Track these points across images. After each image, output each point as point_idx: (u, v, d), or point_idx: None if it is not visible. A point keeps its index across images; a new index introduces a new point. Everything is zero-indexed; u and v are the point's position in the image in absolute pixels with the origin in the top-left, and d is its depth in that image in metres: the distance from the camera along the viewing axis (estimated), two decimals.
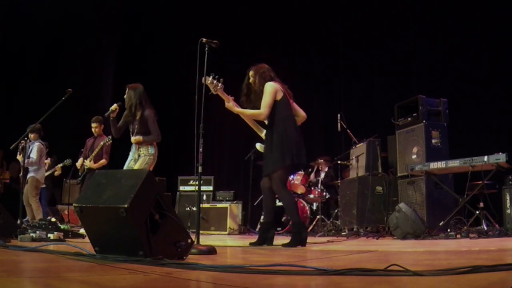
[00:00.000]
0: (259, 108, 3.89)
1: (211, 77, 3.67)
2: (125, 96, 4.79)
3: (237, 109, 3.93)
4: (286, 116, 3.86)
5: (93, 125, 6.32)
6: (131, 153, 4.87)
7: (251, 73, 4.02)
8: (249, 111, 3.93)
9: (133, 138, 4.68)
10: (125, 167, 4.81)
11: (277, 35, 9.52)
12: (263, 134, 4.04)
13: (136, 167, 4.68)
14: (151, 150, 4.76)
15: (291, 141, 3.77)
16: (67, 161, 7.22)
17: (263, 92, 3.87)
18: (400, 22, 8.10)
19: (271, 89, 3.85)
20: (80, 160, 6.33)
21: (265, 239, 3.83)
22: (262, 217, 7.43)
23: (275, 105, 3.86)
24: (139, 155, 4.74)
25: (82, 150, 7.07)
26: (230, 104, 3.91)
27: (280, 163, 3.75)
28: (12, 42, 8.93)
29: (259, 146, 4.11)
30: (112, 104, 4.83)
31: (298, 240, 3.72)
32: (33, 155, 6.33)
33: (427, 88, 6.59)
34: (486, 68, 6.93)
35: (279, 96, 3.88)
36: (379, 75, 8.33)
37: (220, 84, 3.73)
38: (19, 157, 6.16)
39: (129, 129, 4.83)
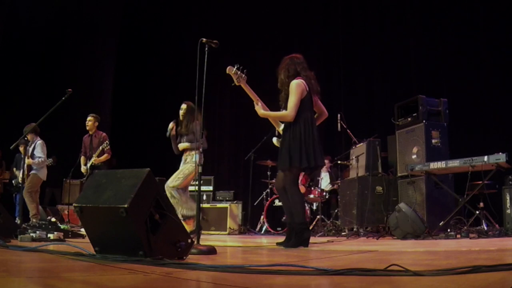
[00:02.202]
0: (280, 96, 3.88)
1: (235, 67, 3.65)
2: (181, 113, 5.38)
3: (262, 112, 3.87)
4: (306, 117, 3.79)
5: (88, 118, 6.36)
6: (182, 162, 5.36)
7: (280, 66, 3.94)
8: (275, 113, 3.85)
9: (180, 145, 5.30)
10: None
11: (276, 35, 9.52)
12: (280, 128, 3.98)
13: (182, 173, 5.14)
14: (195, 157, 5.03)
15: (308, 143, 3.72)
16: (49, 161, 7.09)
17: (286, 86, 3.80)
18: (400, 22, 8.11)
19: (297, 89, 3.74)
20: (82, 160, 6.35)
21: (301, 241, 3.73)
22: (260, 218, 7.46)
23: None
24: (185, 162, 5.23)
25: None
26: (257, 108, 3.86)
27: (296, 163, 3.70)
28: (12, 42, 8.94)
29: (275, 140, 4.03)
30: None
31: (300, 240, 3.68)
32: (39, 154, 6.34)
33: (427, 88, 6.60)
34: (486, 68, 6.94)
35: (303, 95, 3.79)
36: (379, 75, 8.34)
37: (243, 76, 3.69)
38: (28, 161, 6.17)
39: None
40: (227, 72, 3.64)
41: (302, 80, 3.81)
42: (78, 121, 8.43)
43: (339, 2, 9.06)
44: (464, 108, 6.58)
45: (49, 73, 9.42)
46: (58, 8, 9.36)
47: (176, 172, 5.27)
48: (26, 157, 6.16)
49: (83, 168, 6.29)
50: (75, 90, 5.38)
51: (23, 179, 6.12)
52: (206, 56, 3.45)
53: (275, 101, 3.97)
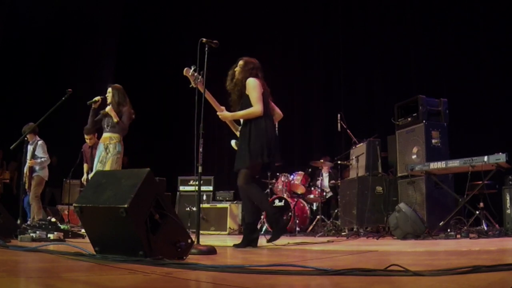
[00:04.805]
0: (230, 99, 3.89)
1: (192, 69, 3.61)
2: (107, 95, 5.11)
3: (231, 114, 3.86)
4: (267, 112, 3.79)
5: (87, 137, 6.35)
6: (98, 152, 5.04)
7: (240, 62, 3.93)
8: (243, 112, 3.80)
9: (106, 134, 4.98)
10: (94, 166, 5.00)
11: (276, 35, 9.53)
12: (238, 131, 3.96)
13: (107, 167, 4.81)
14: (118, 147, 4.92)
15: (269, 138, 3.71)
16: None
17: (242, 85, 3.81)
18: (400, 22, 8.11)
19: (255, 84, 3.77)
20: (85, 168, 6.35)
21: (250, 241, 3.75)
22: (260, 218, 7.45)
23: None
24: (107, 154, 4.91)
25: (83, 150, 7.03)
26: (224, 113, 3.86)
27: (258, 158, 3.66)
28: (12, 42, 8.94)
29: (234, 143, 3.99)
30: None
31: (280, 228, 3.71)
32: (42, 154, 6.34)
33: (427, 88, 6.59)
34: (486, 68, 6.94)
35: (261, 91, 3.79)
36: (379, 75, 8.34)
37: (200, 77, 3.63)
38: (30, 162, 6.18)
39: (102, 124, 5.09)
40: (184, 74, 3.60)
41: (257, 80, 3.82)
42: (78, 121, 8.38)
43: (339, 2, 9.06)
44: (464, 108, 6.58)
45: (49, 73, 9.42)
46: (58, 8, 9.36)
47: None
48: (28, 158, 6.17)
49: (84, 178, 6.30)
50: (75, 90, 5.38)
51: (23, 179, 6.12)
52: (206, 56, 3.45)
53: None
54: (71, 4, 9.46)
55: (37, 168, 6.34)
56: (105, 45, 10.37)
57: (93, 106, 5.07)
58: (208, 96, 3.78)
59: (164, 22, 10.79)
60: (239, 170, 3.77)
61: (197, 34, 3.70)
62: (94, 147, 6.32)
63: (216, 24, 9.53)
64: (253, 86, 3.77)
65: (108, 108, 4.99)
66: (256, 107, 3.73)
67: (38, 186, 6.32)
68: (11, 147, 5.69)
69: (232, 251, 3.52)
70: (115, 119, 4.93)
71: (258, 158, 3.68)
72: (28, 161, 6.17)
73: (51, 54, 9.60)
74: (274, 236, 3.67)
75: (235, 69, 3.93)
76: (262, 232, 7.33)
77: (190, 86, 3.66)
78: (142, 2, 10.66)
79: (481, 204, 4.81)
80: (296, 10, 9.55)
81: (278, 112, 4.07)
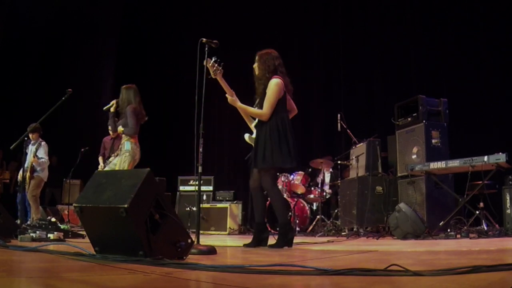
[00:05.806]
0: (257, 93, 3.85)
1: (213, 60, 3.60)
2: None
3: (239, 104, 3.83)
4: (283, 115, 3.78)
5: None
6: None
7: (256, 57, 3.90)
8: (252, 110, 3.81)
9: (118, 128, 4.97)
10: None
11: (276, 35, 9.51)
12: (252, 125, 3.95)
13: (116, 166, 4.78)
14: (127, 146, 4.85)
15: (289, 142, 3.71)
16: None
17: (263, 80, 3.78)
18: (400, 22, 8.11)
19: (276, 88, 3.71)
20: (101, 160, 6.34)
21: (260, 241, 3.77)
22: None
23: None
24: (118, 154, 4.91)
25: (83, 150, 7.04)
26: (234, 98, 3.83)
27: (275, 162, 3.66)
28: (12, 42, 8.95)
29: (247, 137, 3.99)
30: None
31: (285, 241, 3.65)
32: (43, 155, 6.35)
33: (427, 88, 6.59)
34: (486, 68, 6.93)
35: (281, 95, 3.77)
36: (379, 75, 8.34)
37: (220, 69, 3.64)
38: (33, 159, 6.19)
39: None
40: (205, 64, 3.56)
41: (281, 80, 3.78)
42: (78, 121, 8.41)
43: (339, 2, 9.06)
44: (464, 108, 6.58)
45: (49, 73, 9.42)
46: (58, 8, 9.36)
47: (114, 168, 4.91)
48: (29, 158, 6.17)
49: (100, 167, 6.29)
50: (75, 90, 5.38)
51: (23, 177, 6.11)
52: (206, 56, 3.45)
53: None
54: (71, 4, 9.47)
55: (38, 168, 6.35)
56: (105, 45, 10.38)
57: (111, 110, 5.04)
58: (222, 82, 3.77)
59: (164, 22, 10.78)
60: (261, 169, 3.77)
61: (197, 34, 3.69)
62: (117, 138, 6.28)
63: (216, 24, 9.52)
64: (272, 89, 3.72)
65: (119, 129, 4.99)
66: (265, 111, 3.71)
67: (36, 186, 6.34)
68: (11, 147, 5.68)
69: (232, 251, 3.52)
70: (120, 130, 4.91)
71: (276, 163, 3.67)
72: (30, 159, 6.17)
73: (51, 54, 9.60)
74: (277, 245, 3.65)
75: (253, 66, 3.91)
76: None
77: (209, 77, 3.61)
78: (142, 2, 10.66)
79: (481, 204, 4.81)
80: (296, 10, 9.54)
81: (294, 108, 4.04)
